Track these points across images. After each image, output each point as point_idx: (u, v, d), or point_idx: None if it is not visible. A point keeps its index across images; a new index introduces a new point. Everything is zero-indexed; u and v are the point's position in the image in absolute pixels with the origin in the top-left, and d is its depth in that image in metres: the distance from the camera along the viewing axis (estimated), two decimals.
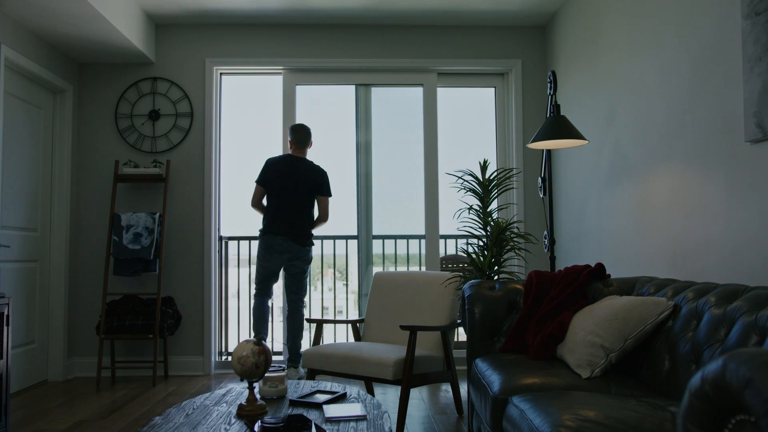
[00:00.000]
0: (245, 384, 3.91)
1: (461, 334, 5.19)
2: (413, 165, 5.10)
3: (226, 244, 5.08)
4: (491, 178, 3.68)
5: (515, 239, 3.59)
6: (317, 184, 4.40)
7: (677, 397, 2.00)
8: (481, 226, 3.63)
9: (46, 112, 4.55)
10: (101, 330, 4.39)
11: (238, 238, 5.18)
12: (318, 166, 4.47)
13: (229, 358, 4.97)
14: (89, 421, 3.43)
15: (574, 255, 4.31)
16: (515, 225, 4.57)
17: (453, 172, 3.77)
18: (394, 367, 2.99)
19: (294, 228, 4.34)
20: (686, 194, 2.84)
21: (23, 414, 3.59)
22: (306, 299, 4.51)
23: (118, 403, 3.86)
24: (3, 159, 3.95)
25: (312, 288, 5.41)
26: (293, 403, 2.21)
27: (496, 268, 3.56)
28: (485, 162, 3.73)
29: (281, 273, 4.45)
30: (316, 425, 1.86)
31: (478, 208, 3.66)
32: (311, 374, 3.34)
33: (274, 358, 4.78)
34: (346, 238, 5.16)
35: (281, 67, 4.98)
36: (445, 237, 5.24)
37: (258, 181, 4.43)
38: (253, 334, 4.68)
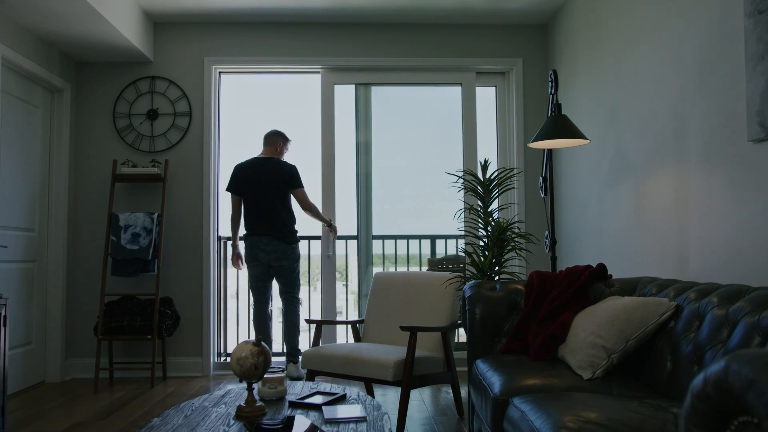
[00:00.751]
0: (244, 385, 3.89)
1: (462, 335, 5.17)
2: (413, 165, 5.09)
3: (225, 244, 5.07)
4: (492, 177, 3.67)
5: (516, 239, 3.57)
6: (285, 179, 4.41)
7: (679, 399, 1.99)
8: (482, 226, 3.62)
9: (43, 112, 4.53)
10: (99, 331, 4.38)
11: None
12: (285, 162, 4.51)
13: (228, 359, 4.95)
14: (87, 422, 3.41)
15: (576, 255, 4.30)
16: (516, 225, 4.55)
17: (453, 171, 3.75)
18: (394, 368, 2.97)
19: (276, 226, 4.37)
20: (688, 194, 2.82)
21: (21, 415, 3.57)
22: (301, 296, 4.56)
23: (116, 404, 3.84)
24: (0, 158, 3.93)
25: (312, 288, 5.39)
26: (292, 405, 2.20)
27: (497, 268, 3.54)
28: (486, 161, 3.71)
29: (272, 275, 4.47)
30: (315, 426, 1.84)
31: (478, 208, 3.65)
32: (311, 375, 3.32)
33: (274, 359, 4.77)
34: (346, 238, 5.15)
35: (287, 66, 4.97)
36: (446, 237, 5.23)
37: (229, 189, 4.47)
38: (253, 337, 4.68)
